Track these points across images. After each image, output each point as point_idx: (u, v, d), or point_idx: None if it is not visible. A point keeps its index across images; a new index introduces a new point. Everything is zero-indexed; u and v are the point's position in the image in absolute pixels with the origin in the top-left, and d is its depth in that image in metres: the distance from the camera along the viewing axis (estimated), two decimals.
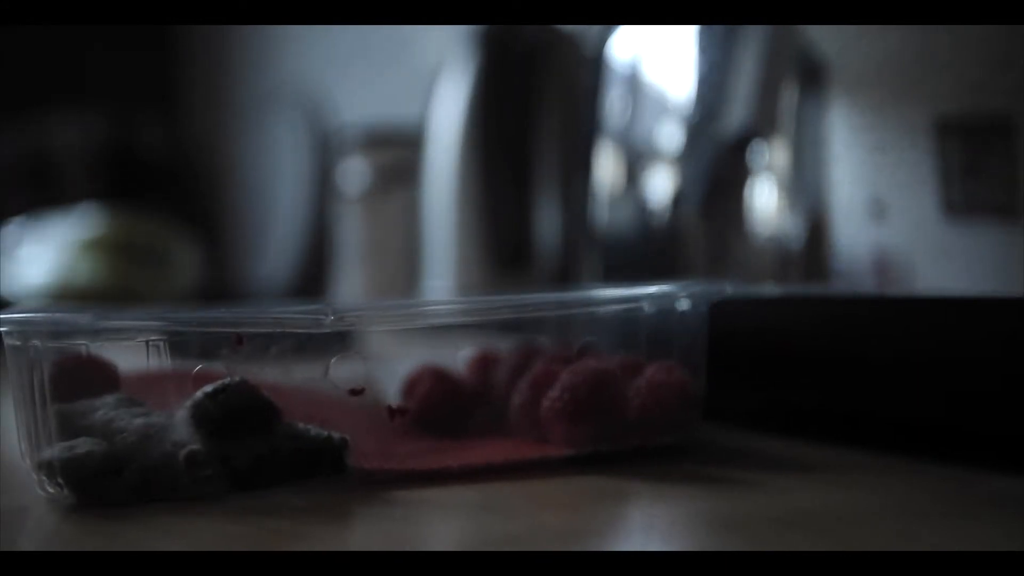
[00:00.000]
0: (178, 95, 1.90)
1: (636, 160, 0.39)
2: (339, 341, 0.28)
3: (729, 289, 0.31)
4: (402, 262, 0.72)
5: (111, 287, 0.73)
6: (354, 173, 0.81)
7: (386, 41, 1.26)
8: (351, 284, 0.80)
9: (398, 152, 0.79)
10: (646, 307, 0.30)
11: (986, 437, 0.28)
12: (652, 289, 0.30)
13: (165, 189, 1.67)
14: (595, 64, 0.42)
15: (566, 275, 0.46)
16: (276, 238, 1.41)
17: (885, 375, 0.29)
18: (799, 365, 0.31)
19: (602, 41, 0.42)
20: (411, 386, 0.32)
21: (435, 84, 0.65)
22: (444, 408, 0.31)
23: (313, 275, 1.27)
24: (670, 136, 0.37)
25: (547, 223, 0.59)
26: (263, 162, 1.54)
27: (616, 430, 0.29)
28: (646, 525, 0.25)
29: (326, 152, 1.29)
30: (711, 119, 0.35)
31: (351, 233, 0.80)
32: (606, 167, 0.40)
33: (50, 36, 1.58)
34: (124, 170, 1.69)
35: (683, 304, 0.30)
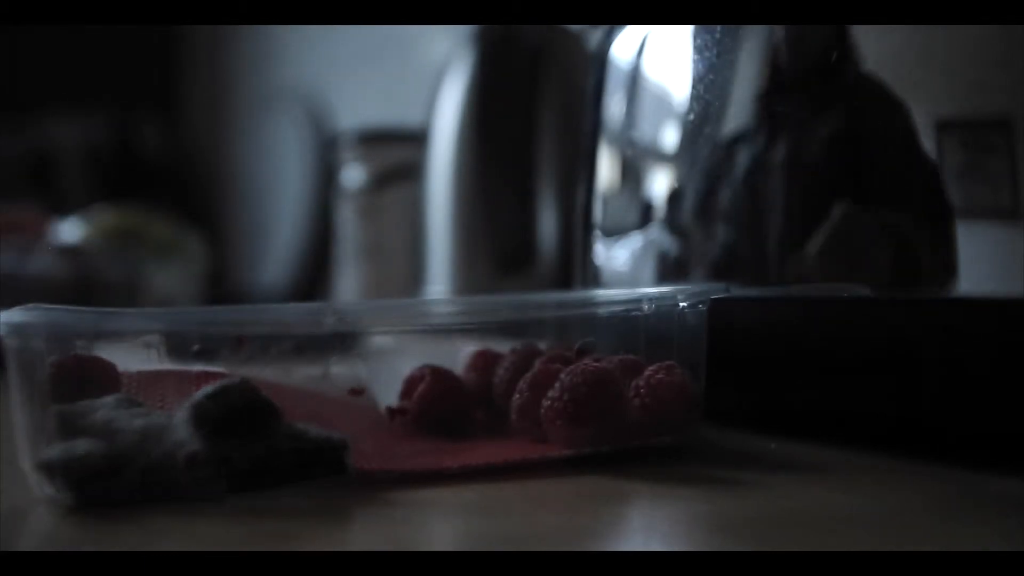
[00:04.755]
0: (179, 95, 1.90)
1: (636, 160, 0.39)
2: (340, 342, 0.28)
3: (729, 289, 0.31)
4: (403, 263, 0.72)
5: (117, 280, 0.73)
6: (355, 173, 0.81)
7: (387, 41, 1.26)
8: (352, 284, 0.80)
9: (399, 152, 0.79)
10: (646, 307, 0.30)
11: (986, 437, 0.28)
12: (652, 289, 0.30)
13: (166, 189, 1.68)
14: (596, 64, 0.42)
15: (567, 276, 0.46)
16: (277, 239, 1.41)
17: (885, 376, 0.29)
18: (800, 366, 0.31)
19: (603, 41, 0.42)
20: (411, 386, 0.32)
21: (437, 84, 0.65)
22: (444, 408, 0.31)
23: (314, 276, 1.27)
24: (670, 136, 0.37)
25: (548, 224, 0.59)
26: (264, 163, 1.54)
27: (616, 430, 0.29)
28: (646, 526, 0.25)
29: (327, 152, 1.29)
30: (711, 119, 0.35)
31: (352, 233, 0.80)
32: (606, 167, 0.40)
33: (50, 36, 1.58)
34: (124, 170, 1.69)
35: (683, 304, 0.30)
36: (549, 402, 0.29)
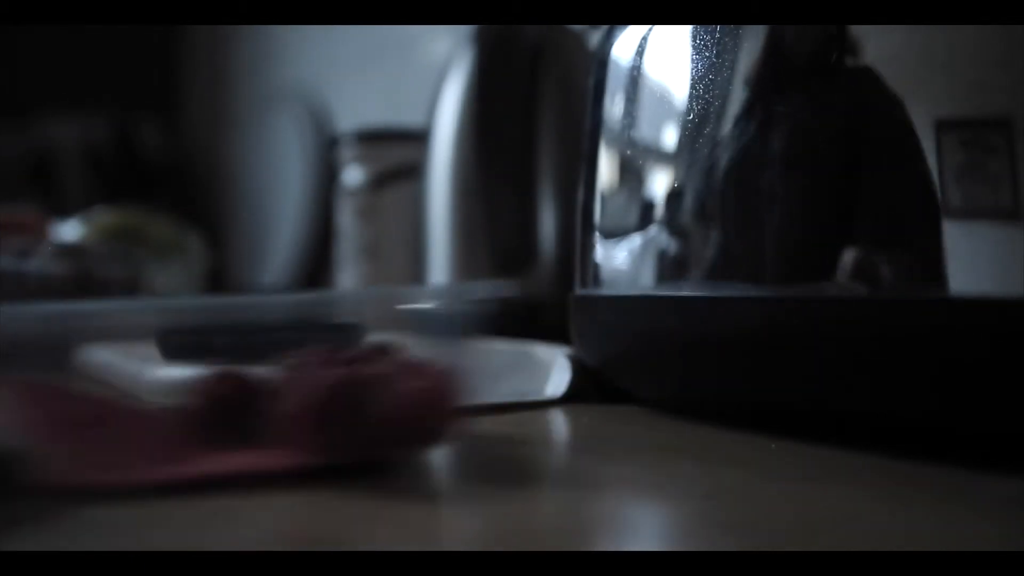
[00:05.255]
0: (179, 95, 1.90)
1: (636, 160, 0.39)
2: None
3: (489, 288, 0.30)
4: (403, 263, 0.72)
5: (117, 280, 0.73)
6: (355, 173, 0.81)
7: (387, 41, 1.26)
8: (352, 284, 0.80)
9: (399, 152, 0.79)
10: (411, 307, 0.29)
11: (986, 437, 0.28)
12: (419, 288, 0.29)
13: (166, 189, 1.68)
14: (596, 64, 0.42)
15: (567, 276, 0.46)
16: (277, 239, 1.41)
17: (885, 375, 0.29)
18: (799, 365, 0.31)
19: (604, 41, 0.42)
20: (200, 387, 0.30)
21: (437, 84, 0.65)
22: (219, 413, 0.29)
23: (314, 276, 1.27)
24: (670, 136, 0.37)
25: (548, 224, 0.59)
26: (264, 163, 1.54)
27: (362, 438, 0.27)
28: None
29: (327, 152, 1.29)
30: (711, 119, 0.35)
31: (352, 233, 0.81)
32: (606, 167, 0.40)
33: (50, 36, 1.58)
34: (124, 170, 1.69)
35: (447, 305, 0.29)
36: (292, 408, 0.27)
